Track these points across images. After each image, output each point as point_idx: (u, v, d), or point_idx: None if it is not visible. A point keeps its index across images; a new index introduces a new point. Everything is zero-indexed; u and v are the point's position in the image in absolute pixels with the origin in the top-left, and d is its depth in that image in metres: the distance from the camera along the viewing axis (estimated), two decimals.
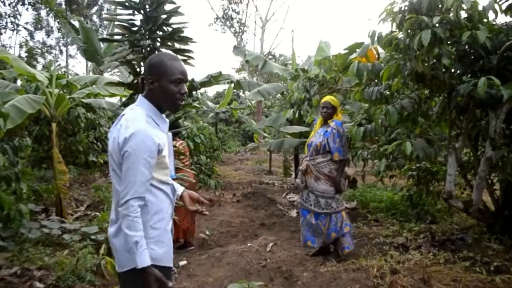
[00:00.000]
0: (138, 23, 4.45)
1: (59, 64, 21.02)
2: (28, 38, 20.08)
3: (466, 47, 3.81)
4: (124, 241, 1.75)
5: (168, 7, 4.49)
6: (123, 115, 1.85)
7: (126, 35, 4.45)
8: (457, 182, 5.47)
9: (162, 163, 1.85)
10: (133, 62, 4.37)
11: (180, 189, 2.13)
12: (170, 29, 4.48)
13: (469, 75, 3.99)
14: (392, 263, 3.98)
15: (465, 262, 3.86)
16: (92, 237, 4.64)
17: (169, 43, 4.59)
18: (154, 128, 1.81)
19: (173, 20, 4.47)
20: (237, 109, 19.26)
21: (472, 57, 3.86)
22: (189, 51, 4.54)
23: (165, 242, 1.86)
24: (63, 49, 24.01)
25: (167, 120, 1.96)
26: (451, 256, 4.01)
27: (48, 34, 21.87)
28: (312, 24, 57.08)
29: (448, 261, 3.95)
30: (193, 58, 4.64)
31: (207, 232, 5.36)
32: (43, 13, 18.13)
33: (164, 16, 4.41)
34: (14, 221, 3.53)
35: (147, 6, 4.36)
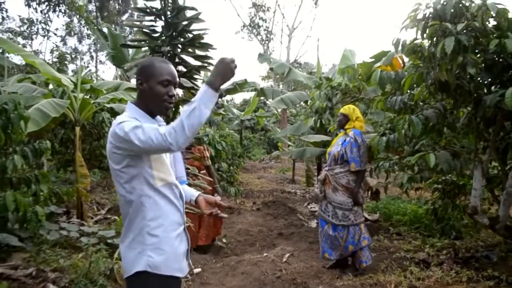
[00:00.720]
0: (159, 29, 4.48)
1: (90, 70, 21.53)
2: (61, 44, 20.64)
3: (495, 56, 3.65)
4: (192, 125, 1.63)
5: (189, 13, 4.51)
6: None
7: (147, 41, 4.48)
8: (485, 197, 5.25)
9: (158, 156, 1.83)
10: None
11: (195, 194, 2.10)
12: (191, 35, 4.49)
13: (498, 85, 3.83)
14: (411, 279, 3.83)
15: (490, 281, 3.67)
16: (109, 241, 4.66)
17: (189, 50, 4.60)
18: None
19: (194, 26, 4.48)
20: (263, 116, 19.26)
21: (501, 66, 3.69)
22: (209, 57, 4.54)
23: (165, 250, 1.80)
24: (94, 55, 24.60)
25: (157, 121, 1.92)
26: (474, 275, 3.82)
27: (80, 40, 22.47)
28: (339, 32, 56.81)
29: (471, 279, 3.76)
30: (213, 64, 4.63)
31: (224, 240, 5.31)
32: (75, 20, 18.61)
33: (185, 23, 4.42)
34: (30, 223, 3.57)
35: (168, 13, 4.38)
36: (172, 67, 1.89)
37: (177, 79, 1.90)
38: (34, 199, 3.90)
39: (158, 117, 1.95)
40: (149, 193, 1.78)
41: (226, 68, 1.69)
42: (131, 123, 1.69)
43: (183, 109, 1.65)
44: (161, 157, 1.85)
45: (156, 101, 1.84)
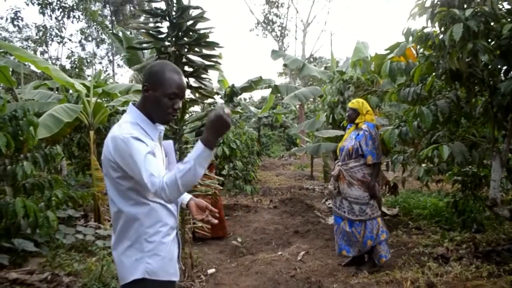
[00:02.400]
0: (165, 30, 4.46)
1: (108, 74, 21.80)
2: (79, 49, 20.96)
3: (510, 42, 3.49)
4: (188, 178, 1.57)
5: (195, 12, 4.47)
6: None
7: (153, 43, 4.47)
8: (510, 187, 5.06)
9: None
10: None
11: (187, 197, 2.06)
12: (197, 35, 4.45)
13: None
14: (429, 275, 3.72)
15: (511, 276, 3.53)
16: None
17: (196, 49, 4.56)
18: (141, 135, 1.71)
19: (199, 25, 4.44)
20: (280, 113, 19.16)
21: None
22: (216, 56, 4.51)
23: (161, 256, 1.78)
24: (112, 58, 24.91)
25: (160, 129, 1.87)
26: (495, 269, 3.67)
27: (98, 45, 22.77)
28: (355, 25, 56.07)
29: (492, 274, 3.62)
30: (220, 63, 4.59)
31: (239, 239, 5.27)
32: (90, 25, 18.86)
33: (190, 22, 4.38)
34: (42, 228, 3.61)
35: (173, 13, 4.36)
36: (182, 78, 1.79)
37: (185, 91, 1.82)
38: (46, 204, 3.94)
39: (157, 124, 1.87)
40: (145, 201, 1.75)
41: (223, 124, 1.59)
42: (139, 147, 1.62)
43: (179, 167, 1.57)
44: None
45: (160, 112, 1.78)
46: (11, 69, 8.89)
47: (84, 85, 6.70)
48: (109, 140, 1.71)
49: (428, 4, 3.46)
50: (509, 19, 3.30)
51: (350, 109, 4.38)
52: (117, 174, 1.71)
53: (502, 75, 3.71)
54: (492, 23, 3.26)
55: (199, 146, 1.59)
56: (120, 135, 1.65)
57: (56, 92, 8.43)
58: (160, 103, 1.76)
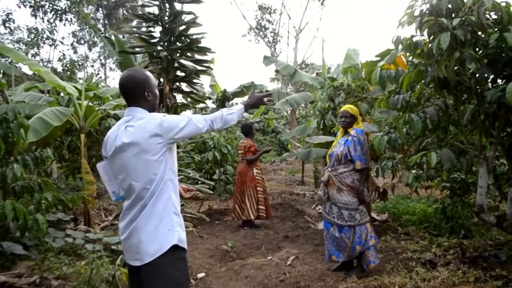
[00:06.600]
0: (158, 34, 4.49)
1: (100, 77, 21.72)
2: (72, 52, 20.87)
3: (497, 51, 3.56)
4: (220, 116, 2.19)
5: (187, 18, 4.50)
6: (126, 126, 2.02)
7: (145, 47, 4.49)
8: (497, 193, 5.13)
9: (174, 147, 2.11)
10: (152, 73, 4.40)
11: None
12: (189, 40, 4.48)
13: (504, 80, 3.73)
14: (417, 280, 3.75)
15: (498, 281, 3.57)
16: (113, 247, 4.67)
17: (188, 54, 4.60)
18: None
19: (191, 31, 4.48)
20: (272, 118, 19.21)
21: (504, 61, 3.60)
22: (207, 61, 4.54)
23: (183, 228, 2.07)
24: (104, 62, 24.82)
25: None
26: (482, 274, 3.72)
27: (90, 48, 22.69)
28: (347, 32, 56.42)
29: (478, 279, 3.67)
30: (211, 68, 4.64)
31: (229, 244, 5.28)
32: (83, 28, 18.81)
33: (182, 28, 4.42)
34: (31, 231, 3.60)
35: (165, 18, 4.39)
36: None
37: None
38: (36, 207, 3.92)
39: None
40: (171, 177, 2.04)
41: (260, 103, 2.44)
42: (181, 117, 2.06)
43: (225, 109, 2.24)
44: (175, 148, 2.12)
45: (157, 101, 2.20)
46: (1, 71, 8.86)
47: (75, 88, 6.68)
48: (155, 129, 1.96)
49: (417, 13, 3.53)
50: (495, 29, 3.38)
51: (349, 115, 4.35)
52: (158, 155, 1.96)
53: (489, 83, 3.78)
54: (479, 33, 3.34)
55: (240, 105, 2.33)
56: (161, 118, 1.99)
57: (47, 94, 8.38)
58: (157, 96, 2.18)
